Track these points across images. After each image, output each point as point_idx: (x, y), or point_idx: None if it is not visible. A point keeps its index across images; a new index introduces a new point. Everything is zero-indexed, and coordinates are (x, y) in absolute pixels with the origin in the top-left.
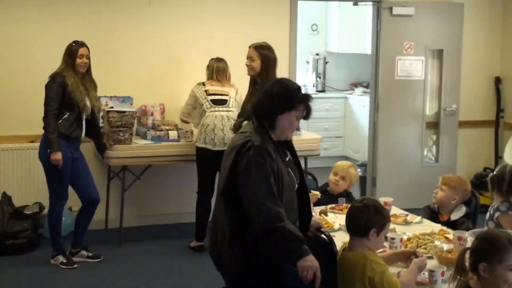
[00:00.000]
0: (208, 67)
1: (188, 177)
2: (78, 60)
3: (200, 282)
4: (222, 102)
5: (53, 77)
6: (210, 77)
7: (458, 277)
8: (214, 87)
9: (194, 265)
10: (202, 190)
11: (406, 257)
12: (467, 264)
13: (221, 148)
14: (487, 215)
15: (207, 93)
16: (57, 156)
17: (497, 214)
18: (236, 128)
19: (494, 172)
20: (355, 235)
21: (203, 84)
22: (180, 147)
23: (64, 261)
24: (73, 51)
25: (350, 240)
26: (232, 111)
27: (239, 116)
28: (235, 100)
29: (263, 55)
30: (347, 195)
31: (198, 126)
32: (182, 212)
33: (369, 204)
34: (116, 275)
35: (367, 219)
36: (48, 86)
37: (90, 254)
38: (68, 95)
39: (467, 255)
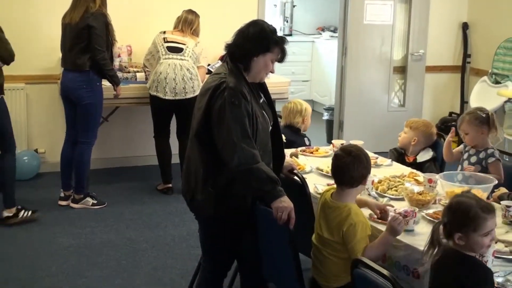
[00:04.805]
0: (178, 17)
1: None
2: None
3: (169, 223)
4: (178, 50)
5: None
6: (175, 26)
7: (432, 250)
8: (173, 36)
9: (163, 206)
10: (158, 134)
11: (380, 209)
12: (441, 236)
13: (172, 97)
14: (465, 155)
15: (165, 40)
16: None
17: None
18: None
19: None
20: (347, 186)
21: (165, 32)
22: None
23: (94, 201)
24: None
25: (338, 189)
26: (187, 60)
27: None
28: (193, 51)
29: None
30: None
31: None
32: (150, 154)
33: (361, 155)
34: (84, 217)
35: (360, 172)
36: None
37: (95, 201)
38: None
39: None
